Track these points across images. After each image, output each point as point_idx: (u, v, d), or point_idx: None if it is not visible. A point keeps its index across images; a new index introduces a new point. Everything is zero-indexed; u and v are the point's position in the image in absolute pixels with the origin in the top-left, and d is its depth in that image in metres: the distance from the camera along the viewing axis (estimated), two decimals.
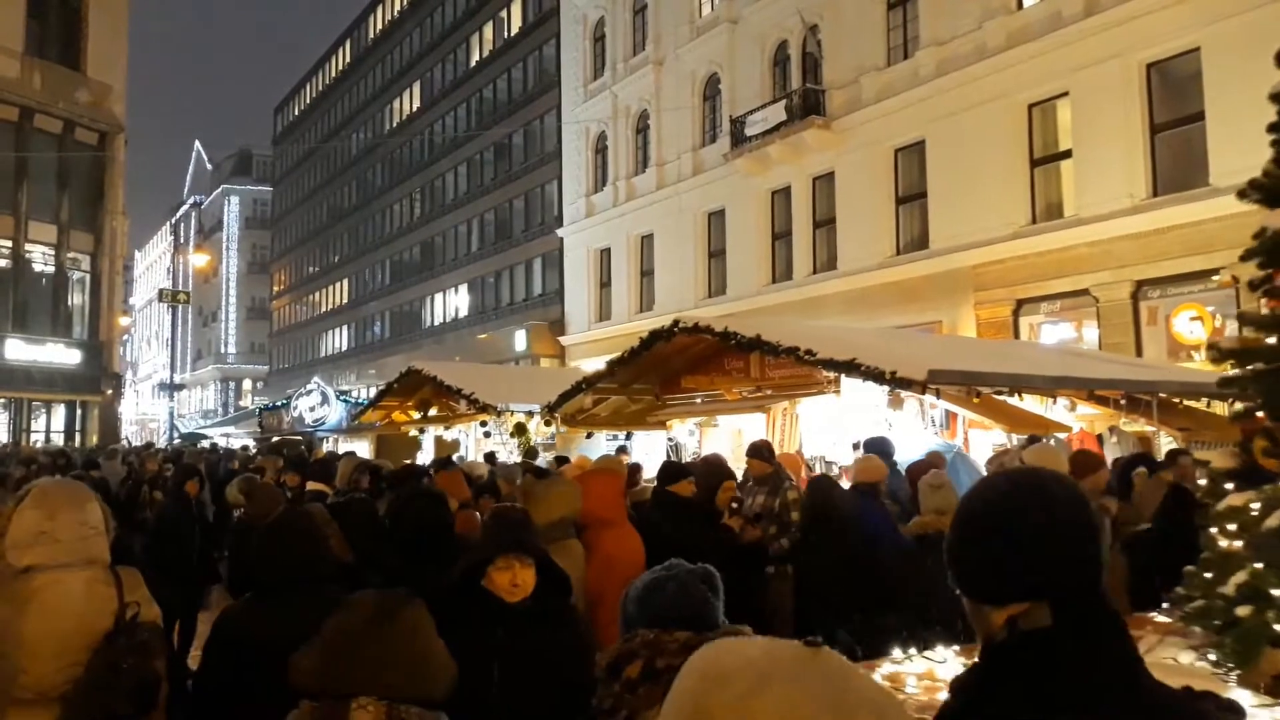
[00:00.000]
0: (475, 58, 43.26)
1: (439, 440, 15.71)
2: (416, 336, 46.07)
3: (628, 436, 12.00)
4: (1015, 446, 6.84)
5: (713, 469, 5.58)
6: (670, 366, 10.29)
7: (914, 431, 7.76)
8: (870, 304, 20.16)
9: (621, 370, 10.28)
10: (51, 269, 26.70)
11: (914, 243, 20.62)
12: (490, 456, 11.37)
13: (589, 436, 12.02)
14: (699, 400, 10.67)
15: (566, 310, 33.13)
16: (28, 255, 26.02)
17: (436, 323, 45.36)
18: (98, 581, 2.80)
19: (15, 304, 25.45)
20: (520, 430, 12.01)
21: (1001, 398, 7.37)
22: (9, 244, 25.47)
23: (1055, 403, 7.81)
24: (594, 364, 24.05)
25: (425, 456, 14.71)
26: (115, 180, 28.19)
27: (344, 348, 55.76)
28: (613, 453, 10.29)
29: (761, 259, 24.65)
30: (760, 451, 6.59)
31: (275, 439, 20.54)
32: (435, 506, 4.04)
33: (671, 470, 5.48)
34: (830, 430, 8.66)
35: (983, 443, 7.79)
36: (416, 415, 16.03)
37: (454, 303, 44.04)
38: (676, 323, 9.17)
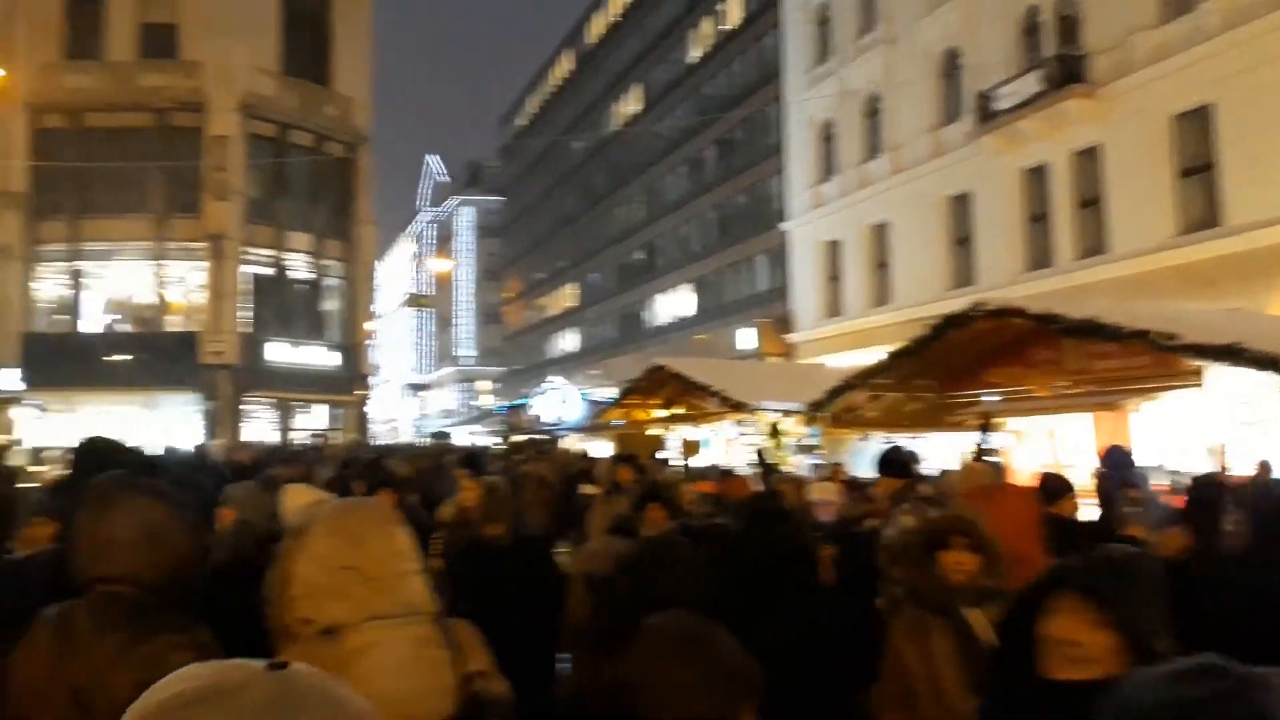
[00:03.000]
0: (694, 54, 42.91)
1: (683, 441, 15.11)
2: (641, 338, 46.27)
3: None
4: None
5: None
6: (960, 357, 9.03)
7: None
8: (1149, 290, 17.88)
9: (903, 362, 9.10)
10: (308, 276, 28.40)
11: (1201, 220, 18.18)
12: (763, 455, 10.44)
13: (864, 439, 10.81)
14: (994, 397, 9.30)
15: (794, 307, 32.04)
16: (287, 264, 27.75)
17: (661, 324, 45.38)
18: (428, 642, 1.91)
19: (278, 310, 27.23)
20: (775, 431, 11.10)
21: None
22: (271, 253, 27.25)
23: None
24: (834, 361, 22.89)
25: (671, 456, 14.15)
26: (362, 190, 29.66)
27: (572, 350, 57.02)
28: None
29: (1015, 244, 22.66)
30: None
31: (519, 438, 20.75)
32: (792, 531, 3.16)
33: (1054, 486, 4.28)
34: (1180, 432, 7.21)
35: None
36: (660, 414, 15.52)
37: (678, 303, 43.91)
38: (977, 305, 7.95)
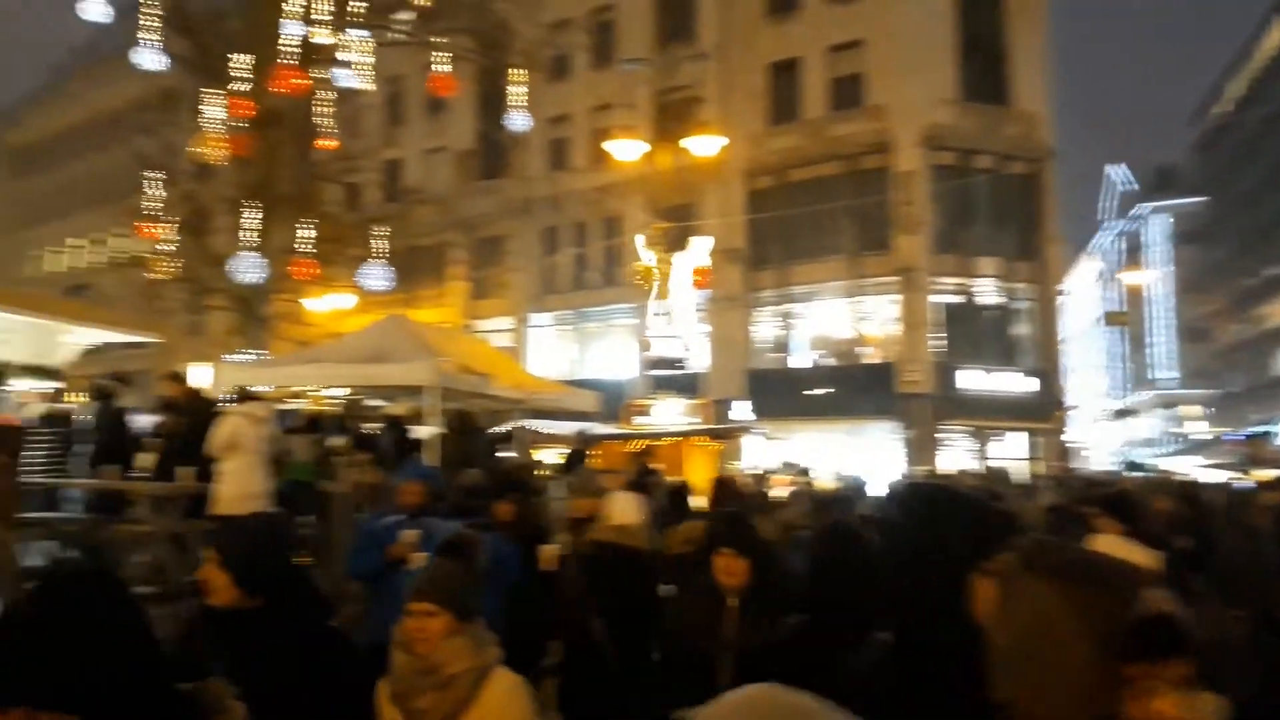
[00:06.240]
0: None
1: None
2: None
3: None
4: None
5: None
6: None
7: None
8: None
9: None
10: (997, 301, 27.85)
11: None
12: None
13: None
14: None
15: None
16: (975, 290, 27.54)
17: None
18: None
19: (968, 337, 27.12)
20: None
21: None
22: (959, 281, 27.30)
23: None
24: None
25: None
26: (1048, 208, 28.32)
27: None
28: None
29: None
30: None
31: (1269, 473, 17.47)
32: None
33: None
34: None
35: None
36: None
37: None
38: None
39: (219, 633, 2.85)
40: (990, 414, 26.69)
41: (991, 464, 26.19)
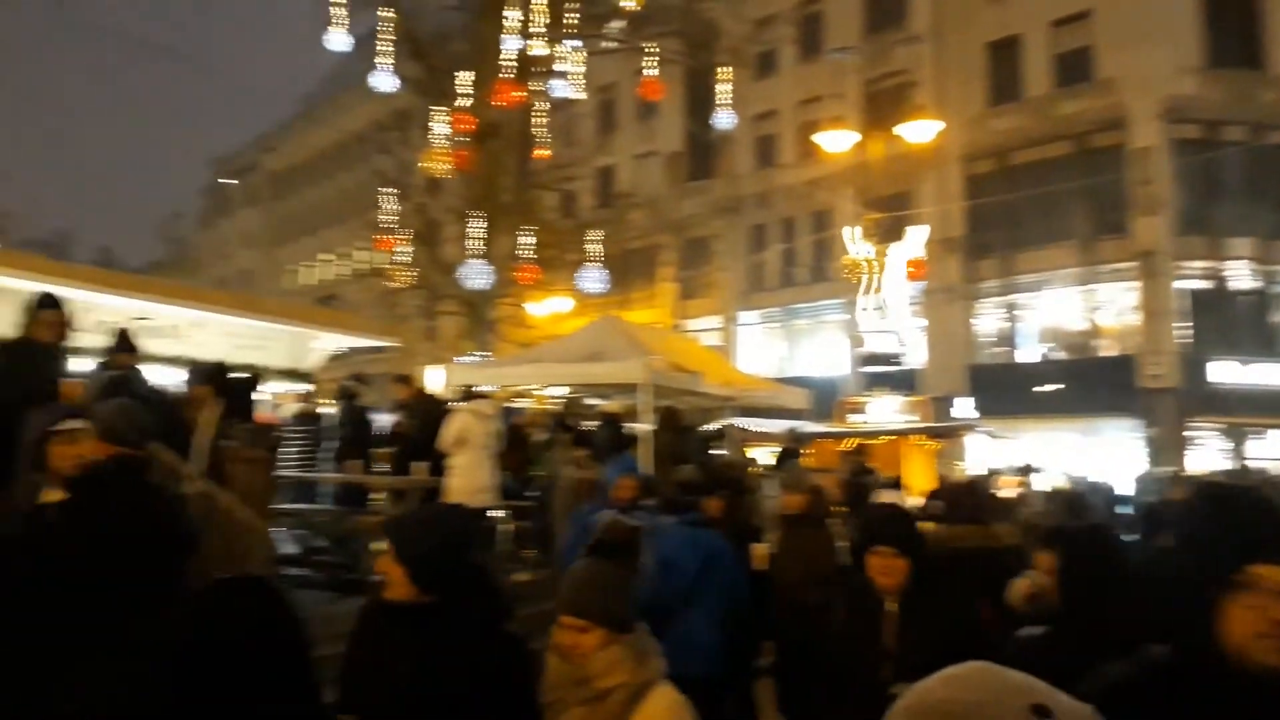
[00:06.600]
0: None
1: None
2: None
3: None
4: None
5: None
6: None
7: None
8: None
9: None
10: (1252, 285, 25.29)
11: None
12: None
13: None
14: None
15: None
16: (1226, 274, 25.13)
17: None
18: None
19: (1220, 325, 24.76)
20: None
21: None
22: (1207, 264, 25.00)
23: None
24: None
25: None
26: None
27: None
28: None
29: None
30: None
31: None
32: None
33: None
34: None
35: None
36: None
37: None
38: None
39: (391, 626, 2.84)
40: (1247, 410, 24.25)
41: (1250, 464, 23.87)
